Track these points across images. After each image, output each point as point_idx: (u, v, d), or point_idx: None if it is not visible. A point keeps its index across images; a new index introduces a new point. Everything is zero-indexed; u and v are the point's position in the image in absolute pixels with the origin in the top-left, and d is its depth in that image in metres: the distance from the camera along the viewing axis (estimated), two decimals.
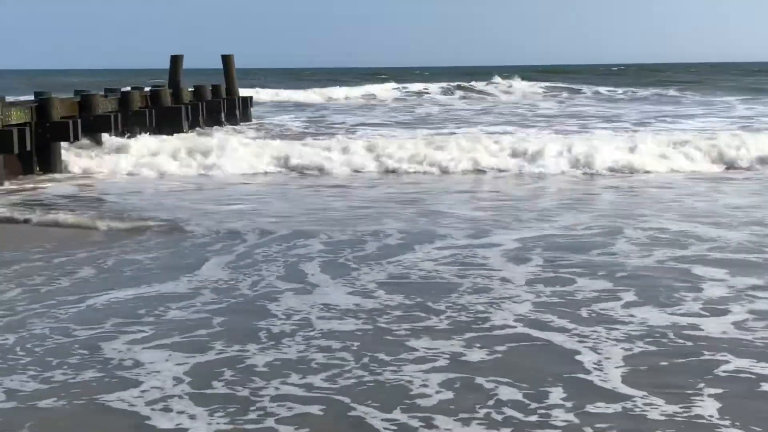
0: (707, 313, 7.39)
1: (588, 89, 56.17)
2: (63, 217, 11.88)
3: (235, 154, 19.20)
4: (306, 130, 28.87)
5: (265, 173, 18.40)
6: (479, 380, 5.85)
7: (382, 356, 6.34)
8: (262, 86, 52.15)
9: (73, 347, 6.60)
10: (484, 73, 74.46)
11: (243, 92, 33.10)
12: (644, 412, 5.29)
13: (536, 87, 57.37)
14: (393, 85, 55.96)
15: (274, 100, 46.06)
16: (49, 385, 5.83)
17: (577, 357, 6.30)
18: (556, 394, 5.57)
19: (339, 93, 50.63)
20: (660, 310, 7.49)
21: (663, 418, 5.22)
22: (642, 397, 5.52)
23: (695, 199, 14.27)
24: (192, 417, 5.26)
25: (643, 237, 10.76)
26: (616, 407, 5.38)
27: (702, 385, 5.73)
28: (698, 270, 8.95)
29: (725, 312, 7.43)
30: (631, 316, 7.33)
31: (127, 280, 8.73)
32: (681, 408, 5.36)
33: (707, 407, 5.34)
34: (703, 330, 6.93)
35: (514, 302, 7.77)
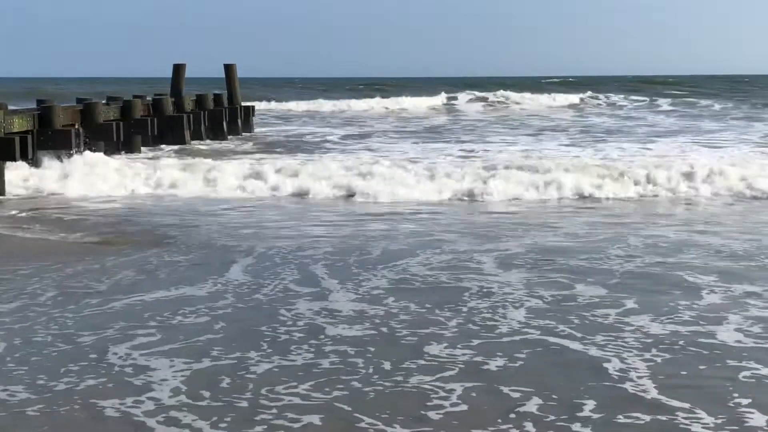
0: (713, 321, 7.24)
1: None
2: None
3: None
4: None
5: None
6: (500, 389, 5.64)
7: (392, 363, 6.15)
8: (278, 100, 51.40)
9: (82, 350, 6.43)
10: (492, 83, 72.38)
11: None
12: (687, 425, 5.07)
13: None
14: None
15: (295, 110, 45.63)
16: (51, 390, 5.65)
17: (605, 365, 6.12)
18: (589, 406, 5.32)
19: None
20: (665, 317, 7.33)
21: (708, 431, 4.98)
22: (687, 409, 5.30)
23: None
24: (197, 430, 5.07)
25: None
26: (657, 418, 5.17)
27: (736, 394, 5.53)
28: (698, 276, 8.83)
29: (732, 319, 7.28)
30: (639, 323, 7.17)
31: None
32: (725, 419, 5.15)
33: (757, 419, 5.11)
34: (716, 338, 6.76)
35: (521, 308, 7.62)
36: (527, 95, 55.91)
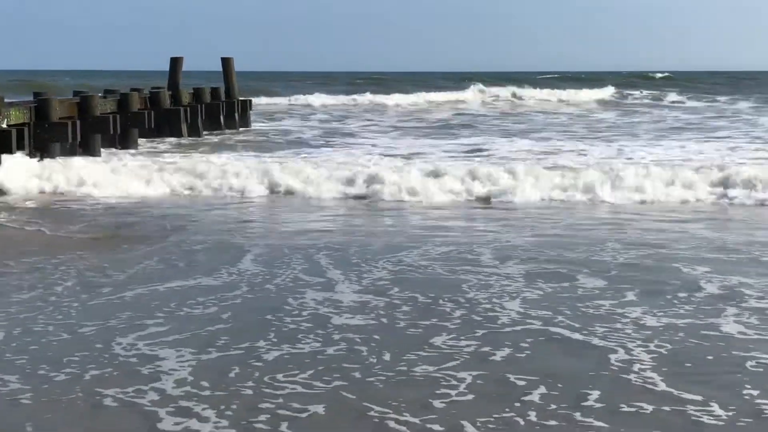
0: (714, 312, 7.28)
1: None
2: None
3: None
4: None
5: None
6: (506, 379, 5.67)
7: (399, 354, 6.17)
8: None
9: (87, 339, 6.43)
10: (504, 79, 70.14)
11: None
12: (698, 416, 5.08)
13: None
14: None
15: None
16: (60, 380, 5.66)
17: (610, 355, 6.14)
18: (594, 396, 5.34)
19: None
20: (665, 309, 7.36)
21: (722, 423, 5.00)
22: (696, 400, 5.31)
23: None
24: (203, 419, 5.06)
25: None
26: (662, 409, 5.18)
27: (749, 386, 5.53)
28: (696, 268, 8.90)
29: (731, 310, 7.32)
30: (640, 314, 7.19)
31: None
32: (735, 410, 5.15)
33: None
34: (720, 330, 6.78)
35: (522, 299, 7.64)
36: (546, 91, 54.08)
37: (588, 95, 53.15)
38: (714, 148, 22.46)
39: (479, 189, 14.88)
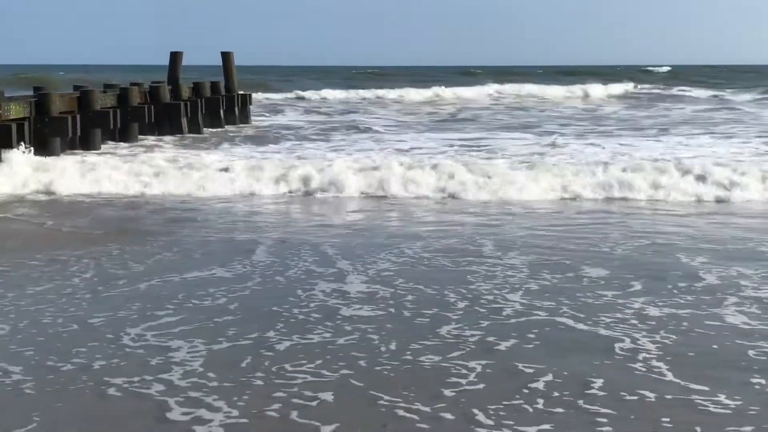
0: (715, 302, 7.35)
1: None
2: None
3: None
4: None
5: None
6: (514, 368, 5.72)
7: (408, 343, 6.23)
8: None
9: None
10: (507, 73, 68.98)
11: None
12: (705, 406, 5.13)
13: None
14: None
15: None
16: (67, 369, 5.70)
17: (616, 344, 6.20)
18: (599, 384, 5.41)
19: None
20: (667, 299, 7.42)
21: (729, 411, 5.06)
22: (701, 390, 5.36)
23: None
24: (215, 409, 5.09)
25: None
26: (674, 398, 5.23)
27: (757, 375, 5.60)
28: (694, 259, 9.01)
29: (732, 299, 7.40)
30: (643, 304, 7.26)
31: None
32: (743, 400, 5.19)
33: None
34: (723, 319, 6.84)
35: (525, 290, 7.70)
36: (561, 87, 52.77)
37: (606, 90, 52.32)
38: (717, 144, 22.44)
39: (479, 184, 14.89)
